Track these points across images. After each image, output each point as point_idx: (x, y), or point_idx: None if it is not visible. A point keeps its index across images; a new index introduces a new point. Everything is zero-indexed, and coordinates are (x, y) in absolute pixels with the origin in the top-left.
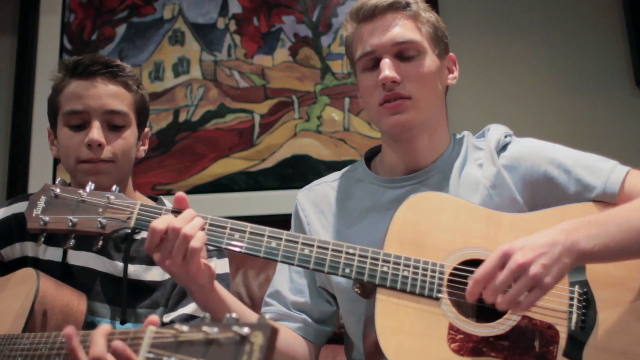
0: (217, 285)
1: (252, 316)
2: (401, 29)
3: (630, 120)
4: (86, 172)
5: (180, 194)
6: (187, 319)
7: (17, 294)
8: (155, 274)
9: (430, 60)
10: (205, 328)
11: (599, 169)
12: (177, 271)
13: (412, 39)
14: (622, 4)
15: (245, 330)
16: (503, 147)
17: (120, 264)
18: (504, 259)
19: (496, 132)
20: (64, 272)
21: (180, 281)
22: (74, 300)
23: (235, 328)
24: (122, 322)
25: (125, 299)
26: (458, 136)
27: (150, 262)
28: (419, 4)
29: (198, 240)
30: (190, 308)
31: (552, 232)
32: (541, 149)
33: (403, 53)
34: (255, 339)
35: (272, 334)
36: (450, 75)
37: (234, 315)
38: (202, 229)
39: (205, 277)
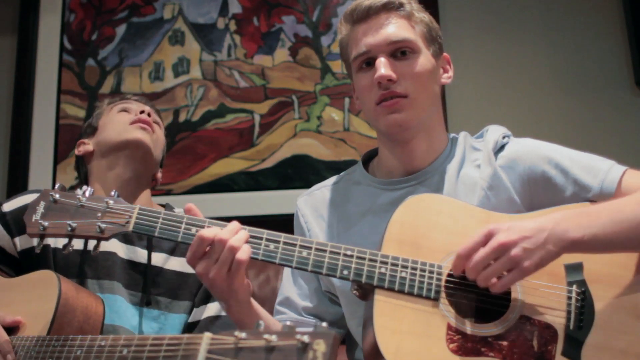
0: (254, 301)
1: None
2: (395, 28)
3: (630, 120)
4: (135, 127)
5: (190, 205)
6: (212, 320)
7: (38, 295)
8: (174, 264)
9: (425, 59)
10: (265, 335)
11: (596, 169)
12: (221, 284)
13: (406, 37)
14: (622, 4)
15: (307, 338)
16: (500, 148)
17: (142, 251)
18: (488, 237)
19: (494, 133)
20: (85, 259)
21: (220, 295)
22: (92, 303)
23: (298, 336)
24: (147, 304)
25: (149, 285)
26: (454, 136)
27: (170, 251)
28: (412, 4)
29: (244, 253)
30: (213, 309)
31: (542, 219)
32: (538, 149)
33: (398, 52)
34: (317, 346)
35: (334, 341)
36: (445, 75)
37: (288, 323)
38: (247, 242)
39: (245, 293)
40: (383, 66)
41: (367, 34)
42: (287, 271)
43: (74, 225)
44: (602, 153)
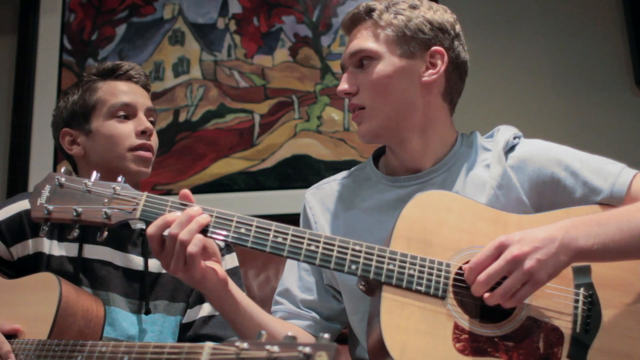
0: (233, 287)
1: (269, 320)
2: (357, 40)
3: (630, 120)
4: (140, 160)
5: (184, 191)
6: (206, 320)
7: (38, 298)
8: None
9: (384, 65)
10: (267, 346)
11: (607, 172)
12: (183, 276)
13: (361, 47)
14: (622, 4)
15: (309, 349)
16: (511, 148)
17: (137, 258)
18: (500, 250)
19: (505, 133)
20: (80, 266)
21: (189, 285)
22: (93, 306)
23: (300, 347)
24: (147, 313)
25: (148, 291)
26: (467, 136)
27: None
28: (389, 6)
29: (195, 246)
30: (207, 309)
31: (551, 228)
32: (549, 150)
33: (360, 63)
34: (320, 358)
35: (337, 353)
36: (428, 72)
37: (289, 333)
38: (204, 228)
39: (212, 283)
40: (343, 80)
41: (345, 49)
42: (289, 262)
43: (79, 210)
44: (602, 153)
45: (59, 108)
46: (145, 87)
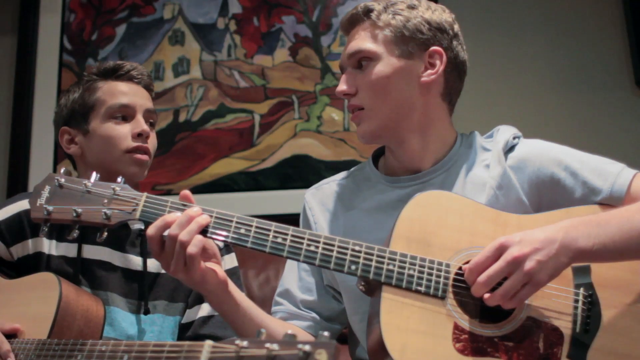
0: (233, 288)
1: (269, 321)
2: (355, 41)
3: (630, 120)
4: (135, 162)
5: (185, 192)
6: (205, 320)
7: (37, 297)
8: None
9: (383, 65)
10: (267, 345)
11: (606, 172)
12: (183, 277)
13: (360, 48)
14: (622, 4)
15: (308, 347)
16: (510, 148)
17: (136, 258)
18: (500, 251)
19: (505, 133)
20: (79, 267)
21: (190, 286)
22: (93, 306)
23: (300, 345)
24: (146, 313)
25: (147, 291)
26: (467, 136)
27: None
28: (388, 7)
29: (194, 247)
30: (207, 309)
31: (552, 229)
32: (548, 150)
33: (359, 63)
34: (319, 356)
35: (336, 351)
36: (427, 72)
37: (289, 331)
38: (204, 228)
39: (212, 284)
40: (342, 81)
41: (344, 49)
42: (289, 263)
43: (79, 210)
44: (602, 153)
45: (60, 106)
46: (147, 87)
